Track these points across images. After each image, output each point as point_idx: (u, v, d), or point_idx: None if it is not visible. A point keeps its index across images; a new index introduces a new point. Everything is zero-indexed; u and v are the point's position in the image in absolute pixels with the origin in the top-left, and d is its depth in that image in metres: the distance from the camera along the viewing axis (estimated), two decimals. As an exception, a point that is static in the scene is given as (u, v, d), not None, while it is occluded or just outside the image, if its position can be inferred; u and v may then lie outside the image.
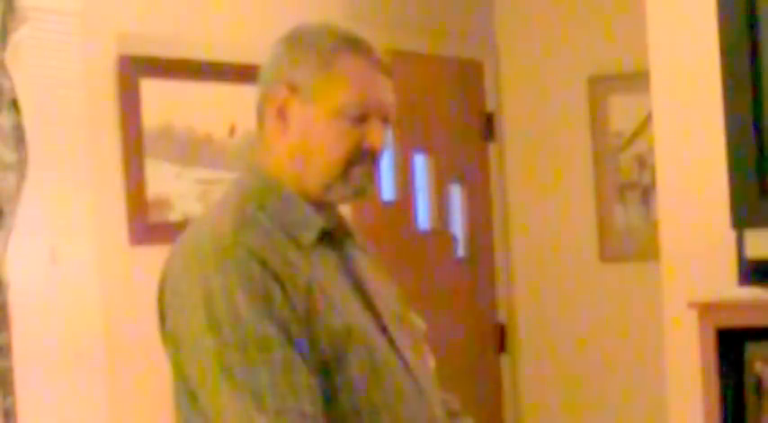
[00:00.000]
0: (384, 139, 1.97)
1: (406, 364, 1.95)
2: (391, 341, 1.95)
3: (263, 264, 1.83)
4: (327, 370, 1.85)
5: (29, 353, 3.37)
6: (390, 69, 2.00)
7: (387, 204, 4.97)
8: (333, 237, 1.99)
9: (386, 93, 1.98)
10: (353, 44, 1.96)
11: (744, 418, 3.41)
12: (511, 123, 5.52)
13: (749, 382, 3.40)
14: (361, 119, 1.94)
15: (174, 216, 3.87)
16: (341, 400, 1.85)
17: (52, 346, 3.48)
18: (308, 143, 1.94)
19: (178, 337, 1.88)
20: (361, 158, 1.95)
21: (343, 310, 1.89)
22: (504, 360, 5.50)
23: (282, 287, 1.83)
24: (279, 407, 1.79)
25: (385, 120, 1.97)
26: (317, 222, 1.95)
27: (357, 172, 1.95)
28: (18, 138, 3.33)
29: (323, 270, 1.92)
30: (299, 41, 1.97)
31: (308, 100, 1.94)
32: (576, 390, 5.37)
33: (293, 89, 1.94)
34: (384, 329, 1.96)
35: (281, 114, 1.95)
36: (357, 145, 1.94)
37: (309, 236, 1.93)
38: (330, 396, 1.84)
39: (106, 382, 3.65)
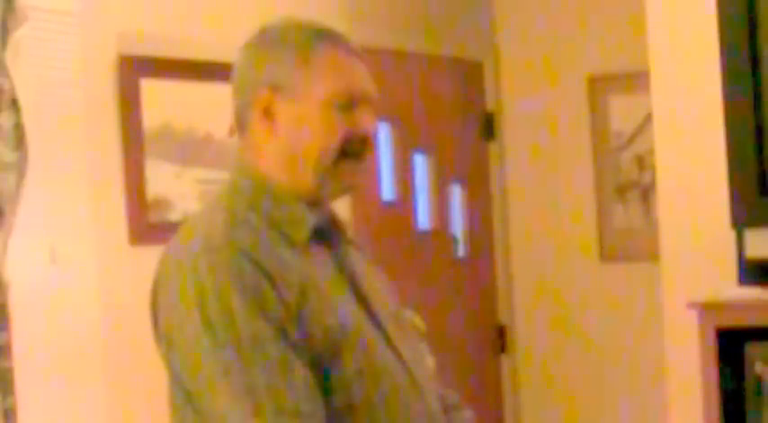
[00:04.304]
0: (374, 123, 1.98)
1: (402, 361, 1.95)
2: (387, 338, 1.95)
3: (255, 263, 1.83)
4: (322, 368, 1.84)
5: (29, 353, 3.37)
6: (363, 55, 2.00)
7: (387, 204, 4.97)
8: (326, 235, 1.99)
9: (366, 77, 1.99)
10: (325, 35, 1.97)
11: (744, 418, 3.41)
12: (511, 123, 5.52)
13: (749, 382, 3.40)
14: (349, 106, 1.94)
15: (174, 216, 3.87)
16: (336, 397, 1.85)
17: (52, 346, 3.48)
18: (300, 139, 1.94)
19: (172, 339, 1.88)
20: (354, 147, 1.95)
21: (336, 308, 1.89)
22: (504, 360, 5.50)
23: (274, 286, 1.82)
24: (276, 407, 1.78)
25: (371, 104, 1.98)
26: (310, 221, 1.94)
27: (347, 167, 1.95)
28: (18, 138, 3.33)
29: (316, 268, 1.92)
30: (270, 41, 1.98)
31: (293, 97, 1.94)
32: (575, 390, 5.37)
33: (276, 89, 1.94)
34: (379, 327, 1.96)
35: (268, 115, 1.95)
36: (349, 132, 1.94)
37: (302, 234, 1.93)
38: (325, 394, 1.84)
39: (106, 381, 3.65)
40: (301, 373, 1.81)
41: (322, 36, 1.97)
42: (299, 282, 1.86)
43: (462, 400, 2.16)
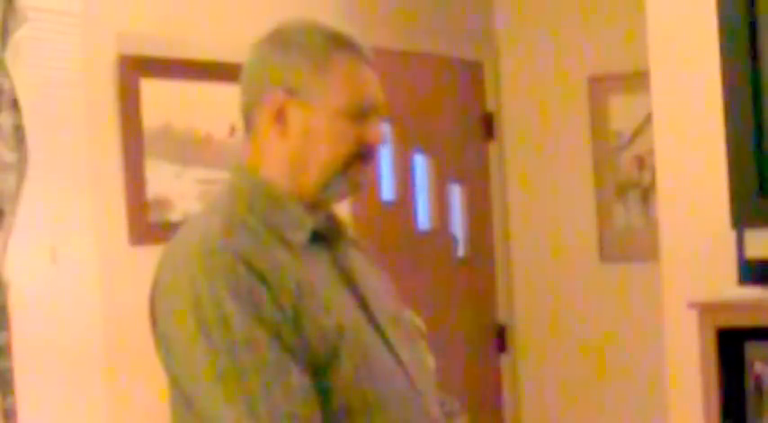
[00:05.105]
0: (383, 135, 1.98)
1: (401, 363, 1.95)
2: (386, 340, 1.95)
3: (251, 266, 1.82)
4: (320, 370, 1.84)
5: (29, 353, 3.37)
6: (374, 60, 2.00)
7: (387, 204, 4.97)
8: (325, 237, 1.99)
9: (378, 88, 1.99)
10: (343, 41, 1.96)
11: (744, 418, 3.42)
12: (511, 123, 5.52)
13: (749, 382, 3.40)
14: (360, 117, 1.94)
15: (174, 216, 3.87)
16: (334, 400, 1.84)
17: (52, 346, 3.48)
18: (310, 144, 1.93)
19: (169, 342, 1.88)
20: (361, 155, 1.95)
21: (334, 310, 1.88)
22: (504, 360, 5.50)
23: (270, 289, 1.82)
24: (271, 411, 1.78)
25: (381, 115, 1.98)
26: (308, 223, 1.94)
27: (355, 169, 1.96)
28: (18, 138, 3.33)
29: (314, 270, 1.91)
30: (287, 43, 1.96)
31: (308, 101, 1.93)
32: (575, 390, 5.37)
33: (290, 92, 1.93)
34: (378, 328, 1.95)
35: (280, 118, 1.94)
36: (359, 142, 1.94)
37: (300, 236, 1.92)
38: (323, 396, 1.84)
39: (106, 381, 3.65)
40: (297, 377, 1.81)
41: (340, 42, 1.96)
42: (295, 285, 1.85)
43: (462, 407, 2.15)
